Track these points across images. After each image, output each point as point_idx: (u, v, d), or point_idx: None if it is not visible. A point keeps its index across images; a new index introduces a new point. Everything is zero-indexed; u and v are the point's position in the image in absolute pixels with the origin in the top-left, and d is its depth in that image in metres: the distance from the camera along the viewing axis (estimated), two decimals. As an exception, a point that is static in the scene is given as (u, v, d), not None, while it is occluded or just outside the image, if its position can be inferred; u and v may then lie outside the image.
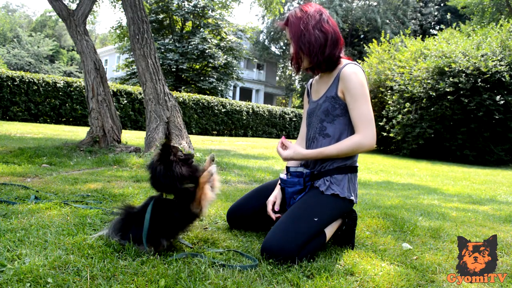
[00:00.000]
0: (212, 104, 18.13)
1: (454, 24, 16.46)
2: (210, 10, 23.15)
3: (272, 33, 35.17)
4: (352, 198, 1.90)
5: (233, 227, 2.19)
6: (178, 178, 1.65)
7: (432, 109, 11.87)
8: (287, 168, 2.00)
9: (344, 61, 1.92)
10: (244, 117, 19.54)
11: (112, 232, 1.74)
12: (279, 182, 2.03)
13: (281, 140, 1.97)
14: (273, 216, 1.96)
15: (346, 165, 1.91)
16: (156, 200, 1.74)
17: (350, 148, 1.83)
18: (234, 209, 2.16)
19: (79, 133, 9.25)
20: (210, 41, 22.28)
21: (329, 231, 1.90)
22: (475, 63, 11.33)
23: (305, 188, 1.93)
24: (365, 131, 1.81)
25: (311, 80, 2.17)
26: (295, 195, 1.93)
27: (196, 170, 1.74)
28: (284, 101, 42.62)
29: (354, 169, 1.95)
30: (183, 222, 1.75)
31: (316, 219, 1.78)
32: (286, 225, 1.75)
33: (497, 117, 11.15)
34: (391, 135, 12.89)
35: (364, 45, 20.35)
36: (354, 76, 1.83)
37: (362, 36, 34.03)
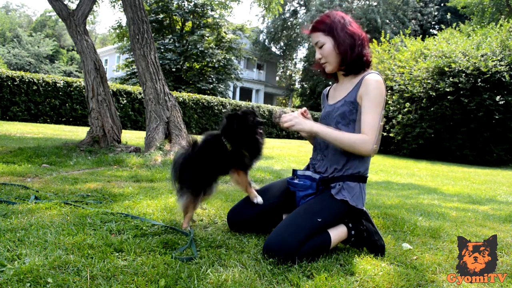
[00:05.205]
0: (212, 104, 18.12)
1: (454, 24, 16.46)
2: (210, 9, 23.13)
3: (272, 33, 35.13)
4: (360, 207, 1.92)
5: (234, 230, 2.18)
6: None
7: (432, 109, 11.86)
8: (294, 171, 2.02)
9: (368, 70, 1.98)
10: (244, 117, 19.53)
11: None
12: (288, 185, 2.04)
13: (301, 110, 2.01)
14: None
15: (359, 173, 1.94)
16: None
17: (352, 139, 1.83)
18: (235, 213, 2.13)
19: (79, 133, 9.25)
20: (208, 39, 22.25)
21: (334, 233, 1.89)
22: (475, 63, 11.32)
23: (317, 192, 1.94)
24: (372, 137, 1.84)
25: (328, 88, 2.23)
26: (306, 198, 1.95)
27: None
28: (284, 101, 42.59)
29: (364, 179, 1.98)
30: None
31: (319, 220, 1.80)
32: (289, 220, 1.80)
33: (497, 117, 11.14)
34: (391, 135, 12.88)
35: (364, 45, 20.28)
36: (377, 83, 1.88)
37: (362, 36, 33.94)
